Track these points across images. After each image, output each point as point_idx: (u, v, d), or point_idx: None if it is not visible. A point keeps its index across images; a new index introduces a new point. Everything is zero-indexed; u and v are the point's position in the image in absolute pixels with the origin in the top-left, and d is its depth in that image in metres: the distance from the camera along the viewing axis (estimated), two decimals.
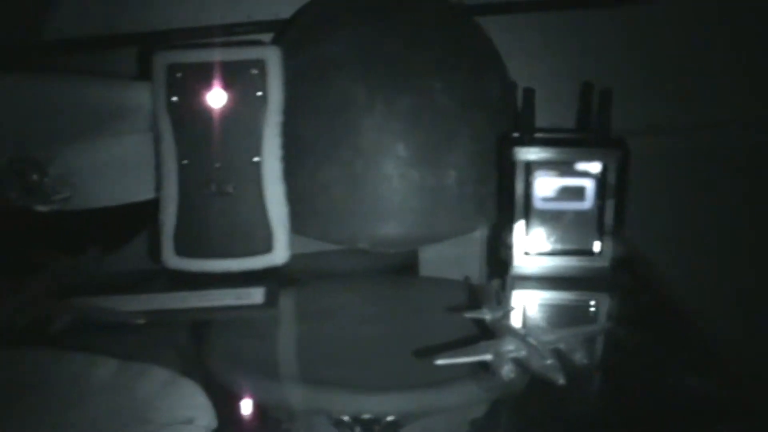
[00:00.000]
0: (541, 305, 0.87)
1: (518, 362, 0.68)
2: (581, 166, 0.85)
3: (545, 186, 0.86)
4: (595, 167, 0.85)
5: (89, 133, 0.86)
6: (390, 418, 0.68)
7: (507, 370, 0.66)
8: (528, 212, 0.86)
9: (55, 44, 1.02)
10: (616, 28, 1.12)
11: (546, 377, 0.66)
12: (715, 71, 1.13)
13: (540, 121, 0.89)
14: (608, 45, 1.12)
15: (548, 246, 0.87)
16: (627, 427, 0.66)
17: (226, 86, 0.85)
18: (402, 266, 0.94)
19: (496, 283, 0.81)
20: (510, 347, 0.69)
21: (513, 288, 0.86)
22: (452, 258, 0.95)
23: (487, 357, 0.68)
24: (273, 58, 0.85)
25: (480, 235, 0.96)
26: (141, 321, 0.77)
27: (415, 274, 0.95)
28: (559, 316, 0.84)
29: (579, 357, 0.69)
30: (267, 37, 1.05)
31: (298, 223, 0.89)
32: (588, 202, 0.85)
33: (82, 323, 0.78)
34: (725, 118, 1.13)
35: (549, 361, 0.67)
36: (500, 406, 0.70)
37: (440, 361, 0.68)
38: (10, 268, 0.87)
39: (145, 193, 0.89)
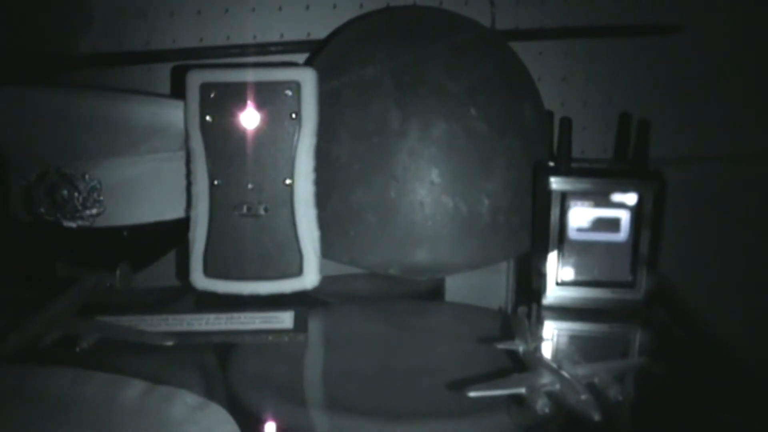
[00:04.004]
0: (574, 337, 0.86)
1: (552, 396, 0.67)
2: (617, 197, 0.84)
3: (580, 216, 0.85)
4: (631, 199, 0.84)
5: (121, 150, 0.85)
6: None
7: (542, 405, 0.65)
8: (562, 242, 0.85)
9: (88, 60, 1.03)
10: (651, 56, 1.11)
11: (581, 413, 0.65)
12: (753, 101, 1.12)
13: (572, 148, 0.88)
14: (643, 73, 1.12)
15: (581, 277, 0.86)
16: None
17: (260, 107, 0.85)
18: (428, 292, 0.94)
19: (522, 311, 0.80)
20: (544, 381, 0.68)
21: (545, 319, 0.85)
22: (477, 285, 0.94)
23: (521, 390, 0.67)
24: (308, 80, 0.85)
25: (506, 262, 0.95)
26: (169, 343, 0.76)
27: (440, 299, 0.94)
28: (592, 349, 0.82)
29: (614, 393, 0.68)
30: (299, 57, 1.05)
31: (328, 248, 0.88)
32: (623, 234, 0.84)
33: (109, 342, 0.77)
34: (763, 148, 1.12)
35: (584, 397, 0.66)
36: None
37: (473, 393, 0.67)
38: (37, 284, 0.87)
39: (176, 212, 0.89)
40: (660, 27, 1.10)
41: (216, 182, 0.85)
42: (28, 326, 0.77)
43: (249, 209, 0.85)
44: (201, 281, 0.86)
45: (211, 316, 0.82)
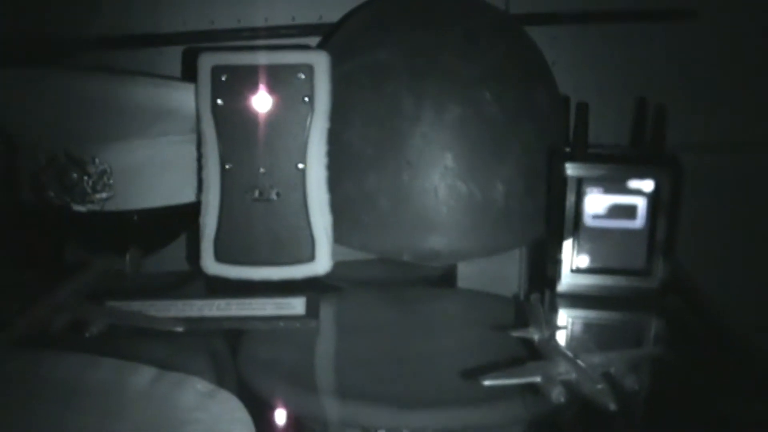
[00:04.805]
0: (588, 325, 0.85)
1: (568, 385, 0.66)
2: (633, 183, 0.83)
3: (596, 203, 0.84)
4: (647, 185, 0.83)
5: (131, 134, 0.85)
6: None
7: (557, 393, 0.65)
8: (577, 229, 0.84)
9: (98, 43, 1.02)
10: (666, 41, 1.10)
11: (597, 402, 0.64)
12: None
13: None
14: (658, 58, 1.11)
15: (597, 264, 0.85)
16: None
17: (272, 90, 0.84)
18: (440, 278, 0.93)
19: (535, 298, 0.80)
20: (560, 369, 0.68)
21: (559, 306, 0.84)
22: (490, 271, 0.93)
23: (537, 379, 0.67)
24: (321, 63, 0.84)
25: (519, 249, 0.94)
26: (180, 329, 0.76)
27: (453, 286, 0.94)
28: (607, 338, 0.82)
29: (630, 382, 0.67)
30: (311, 40, 1.04)
31: (340, 233, 0.87)
32: (639, 221, 0.84)
33: (118, 328, 0.77)
34: None
35: (600, 386, 0.65)
36: (542, 426, 0.69)
37: (488, 382, 0.66)
38: (47, 269, 0.86)
39: (186, 196, 0.88)
40: (675, 12, 1.09)
41: (227, 166, 0.84)
42: (37, 311, 0.77)
43: (261, 194, 0.85)
44: (212, 266, 0.86)
45: (222, 302, 0.81)
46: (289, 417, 0.70)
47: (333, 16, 1.05)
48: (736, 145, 1.12)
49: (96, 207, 0.86)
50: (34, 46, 1.01)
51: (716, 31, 1.10)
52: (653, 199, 0.83)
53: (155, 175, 0.87)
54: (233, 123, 0.84)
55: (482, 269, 0.93)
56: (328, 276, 0.87)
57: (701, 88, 1.12)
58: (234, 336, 0.78)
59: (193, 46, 1.01)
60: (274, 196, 0.85)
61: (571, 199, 0.84)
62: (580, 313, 0.85)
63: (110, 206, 0.86)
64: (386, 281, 0.93)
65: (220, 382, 0.68)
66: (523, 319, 0.77)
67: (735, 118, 1.12)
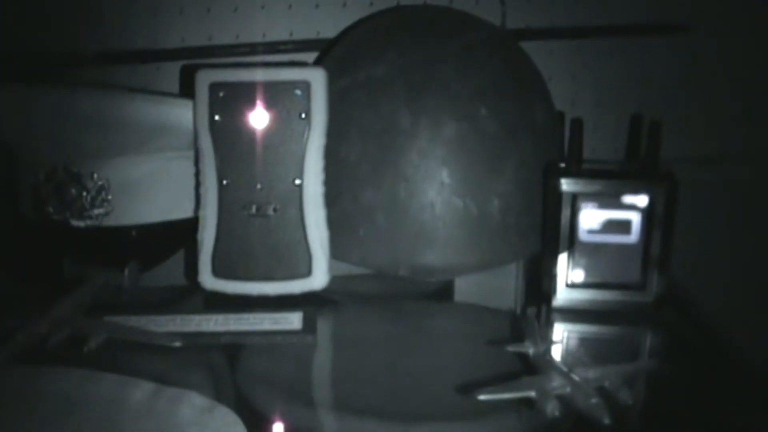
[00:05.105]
0: (583, 340, 0.85)
1: (563, 400, 0.66)
2: (628, 198, 0.83)
3: (591, 218, 0.84)
4: (642, 200, 0.83)
5: (130, 149, 0.85)
6: None
7: (552, 408, 0.65)
8: (572, 244, 0.84)
9: (97, 58, 1.03)
10: (662, 55, 1.11)
11: (592, 417, 0.65)
12: (765, 99, 1.11)
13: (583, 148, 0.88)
14: (654, 73, 1.11)
15: (592, 279, 0.85)
16: None
17: (269, 107, 0.84)
18: (437, 292, 0.93)
19: (531, 312, 0.80)
20: (554, 384, 0.68)
21: (555, 321, 0.84)
22: (486, 286, 0.93)
23: (531, 393, 0.67)
24: (318, 80, 0.84)
25: (515, 263, 0.94)
26: (177, 344, 0.76)
27: (450, 300, 0.94)
28: (602, 352, 0.82)
29: (624, 396, 0.68)
30: (309, 55, 1.05)
31: (337, 248, 0.88)
32: (634, 236, 0.84)
33: (117, 342, 0.77)
34: None
35: (594, 400, 0.66)
36: None
37: (483, 396, 0.67)
38: (45, 284, 0.86)
39: (184, 212, 0.89)
40: (671, 26, 1.10)
41: (225, 182, 0.85)
42: (35, 325, 0.77)
43: (258, 209, 0.85)
44: (210, 281, 0.86)
45: (220, 317, 0.81)
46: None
47: (330, 31, 1.06)
48: (732, 158, 1.12)
49: (94, 222, 0.86)
50: (33, 62, 1.01)
51: (712, 46, 1.10)
52: (648, 213, 0.83)
53: (153, 190, 0.87)
54: (231, 139, 0.84)
55: (479, 283, 0.93)
56: (325, 291, 0.87)
57: (697, 102, 1.12)
58: (232, 351, 0.79)
59: (191, 61, 1.02)
60: (271, 212, 0.85)
61: (566, 214, 0.84)
62: (575, 328, 0.85)
63: (108, 222, 0.87)
64: (383, 296, 0.93)
65: (218, 396, 0.68)
66: (518, 334, 0.77)
67: (731, 132, 1.12)
